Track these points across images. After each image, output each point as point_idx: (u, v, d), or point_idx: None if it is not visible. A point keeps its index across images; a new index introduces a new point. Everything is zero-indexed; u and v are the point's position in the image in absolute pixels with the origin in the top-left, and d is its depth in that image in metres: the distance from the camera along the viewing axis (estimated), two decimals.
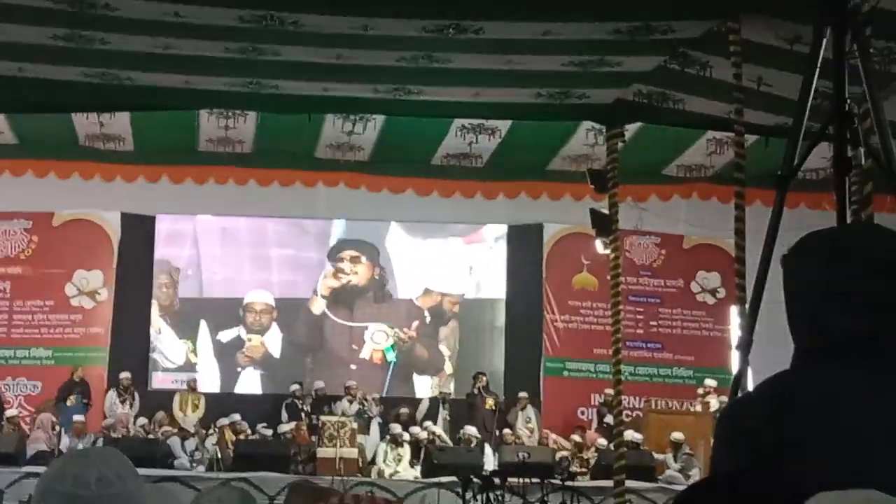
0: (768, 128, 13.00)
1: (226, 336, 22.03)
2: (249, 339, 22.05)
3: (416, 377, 22.17)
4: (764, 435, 2.06)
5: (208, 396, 20.69)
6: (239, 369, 22.02)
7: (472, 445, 18.78)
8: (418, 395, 21.60)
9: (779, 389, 2.16)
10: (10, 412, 19.31)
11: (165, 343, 21.88)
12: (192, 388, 20.51)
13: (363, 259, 22.54)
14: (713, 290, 22.20)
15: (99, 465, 2.20)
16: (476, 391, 20.52)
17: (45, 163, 20.77)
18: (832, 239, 2.32)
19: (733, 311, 17.90)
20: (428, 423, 19.75)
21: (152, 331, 21.84)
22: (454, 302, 22.58)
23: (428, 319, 22.52)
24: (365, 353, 22.25)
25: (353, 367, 21.90)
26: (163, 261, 22.09)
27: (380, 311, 22.53)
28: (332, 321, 22.34)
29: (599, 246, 15.88)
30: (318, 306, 22.31)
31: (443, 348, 22.46)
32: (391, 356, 22.28)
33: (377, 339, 22.32)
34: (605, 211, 14.58)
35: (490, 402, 20.27)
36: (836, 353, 2.15)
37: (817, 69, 6.61)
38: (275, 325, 22.20)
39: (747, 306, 9.52)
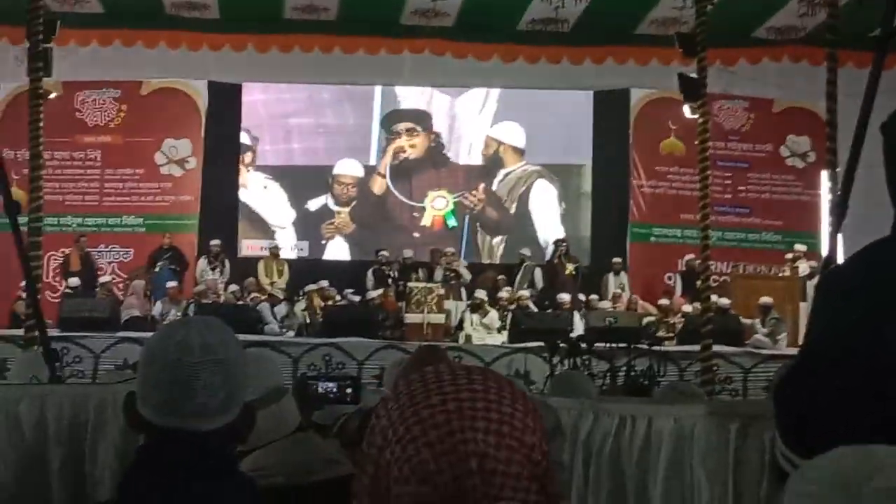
0: None
1: (312, 205, 22.19)
2: (338, 212, 22.22)
3: (489, 241, 22.27)
4: (861, 304, 2.03)
5: (293, 263, 20.95)
6: (324, 237, 22.23)
7: (563, 311, 18.75)
8: (492, 261, 21.75)
9: (877, 257, 2.11)
10: (103, 278, 19.64)
11: (252, 210, 22.10)
12: (274, 254, 20.69)
13: (418, 129, 22.55)
14: (803, 154, 21.92)
15: (202, 333, 2.24)
16: (557, 258, 20.53)
17: (132, 32, 20.73)
18: None
19: (824, 175, 17.70)
20: (515, 289, 19.80)
21: (240, 198, 22.07)
22: (540, 168, 22.54)
23: (506, 183, 22.57)
24: (426, 221, 22.41)
25: (415, 234, 22.09)
26: (245, 129, 22.21)
27: (438, 177, 22.58)
28: (393, 195, 22.46)
29: (687, 111, 15.72)
30: (379, 186, 22.44)
31: (529, 215, 22.49)
32: (452, 221, 22.40)
33: (437, 205, 22.40)
34: (694, 75, 14.42)
35: (570, 267, 20.27)
36: None
37: None
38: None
39: (838, 170, 9.41)
